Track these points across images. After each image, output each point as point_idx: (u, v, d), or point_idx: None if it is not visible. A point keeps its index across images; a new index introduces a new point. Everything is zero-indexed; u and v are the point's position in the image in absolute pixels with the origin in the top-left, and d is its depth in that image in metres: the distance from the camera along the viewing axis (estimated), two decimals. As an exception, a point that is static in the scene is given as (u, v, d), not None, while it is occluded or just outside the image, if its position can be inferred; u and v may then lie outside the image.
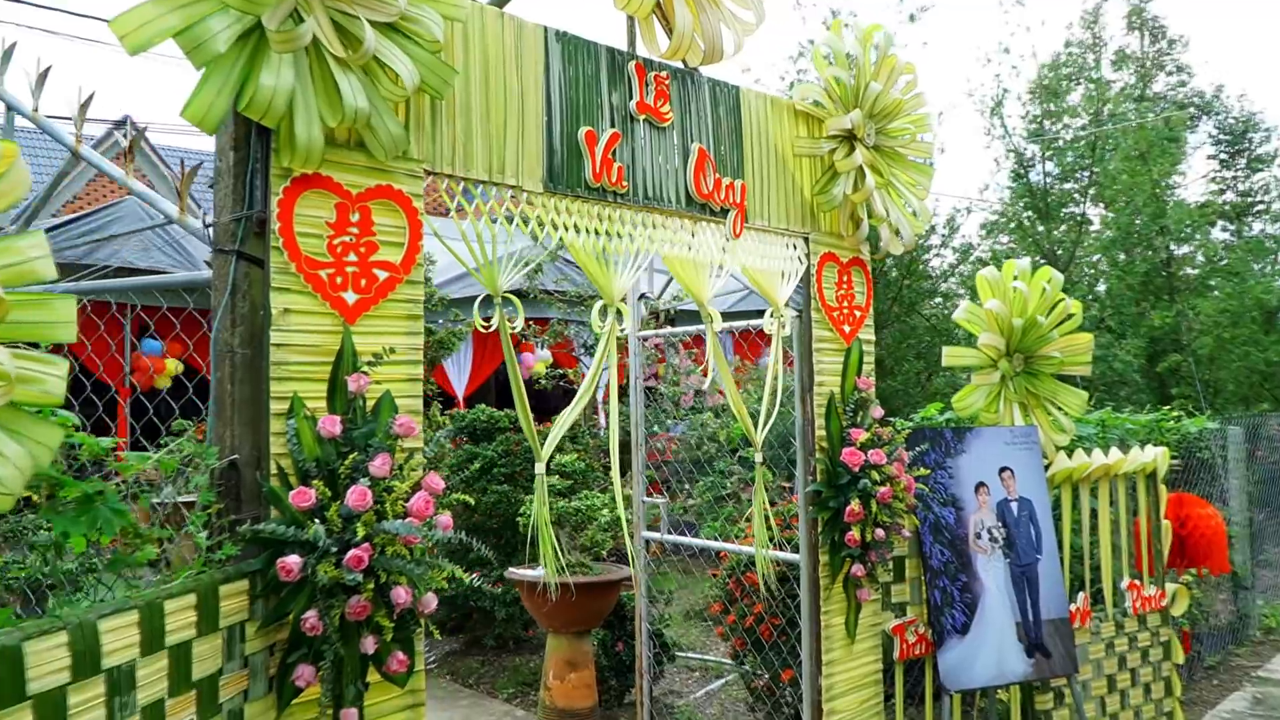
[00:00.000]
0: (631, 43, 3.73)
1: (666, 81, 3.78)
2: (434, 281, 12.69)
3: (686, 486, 9.66)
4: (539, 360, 13.45)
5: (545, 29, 3.42)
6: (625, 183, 3.58)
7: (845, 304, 4.50)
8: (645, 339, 5.79)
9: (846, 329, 4.48)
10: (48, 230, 10.48)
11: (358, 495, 2.61)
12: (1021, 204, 11.73)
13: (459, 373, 14.59)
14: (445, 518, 2.84)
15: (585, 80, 3.53)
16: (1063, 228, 12.91)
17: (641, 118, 3.68)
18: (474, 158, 3.18)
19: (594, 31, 3.82)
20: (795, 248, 4.34)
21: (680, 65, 3.89)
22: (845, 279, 4.52)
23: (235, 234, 2.78)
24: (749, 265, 4.07)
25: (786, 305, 4.31)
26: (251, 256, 2.77)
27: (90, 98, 3.37)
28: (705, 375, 7.79)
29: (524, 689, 6.85)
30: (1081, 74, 14.89)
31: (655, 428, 10.17)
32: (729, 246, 3.99)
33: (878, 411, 4.39)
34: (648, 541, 5.71)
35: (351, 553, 2.56)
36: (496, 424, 7.15)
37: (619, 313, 3.61)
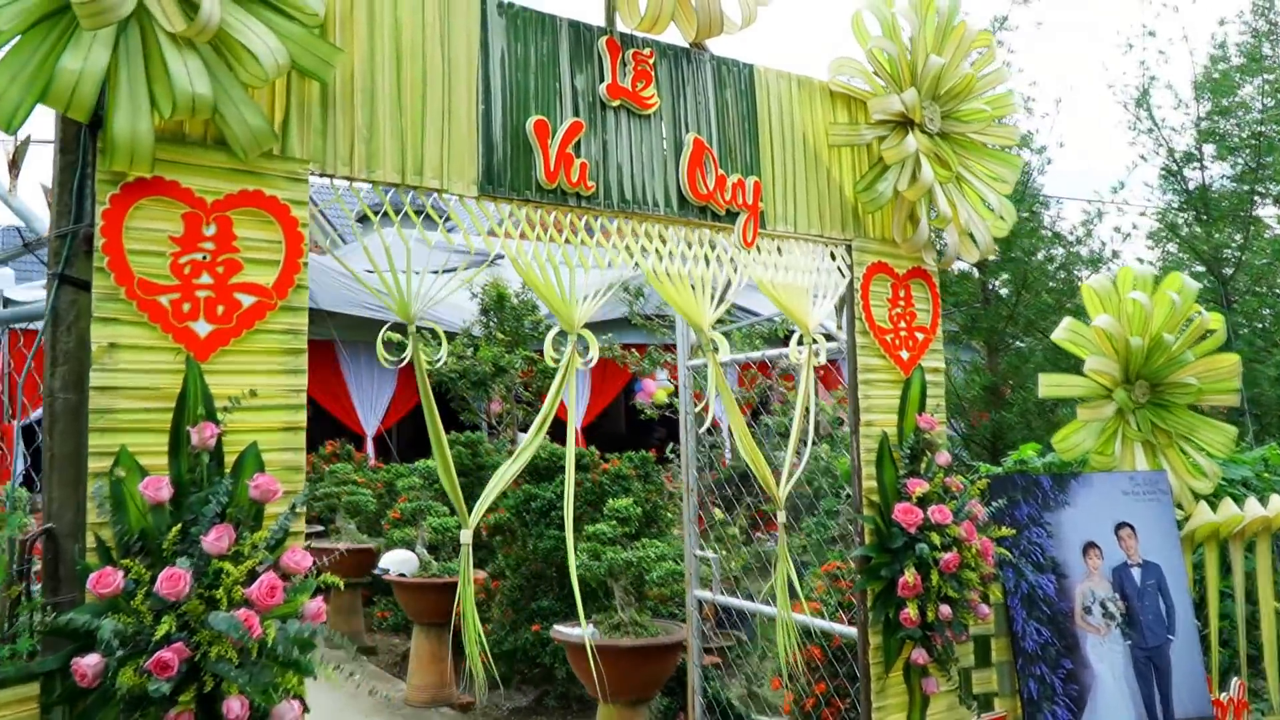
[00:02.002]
0: (610, 15, 3.09)
1: (650, 60, 3.12)
2: (541, 309, 12.35)
3: (807, 521, 8.82)
4: (660, 388, 12.87)
5: (484, 1, 2.83)
6: (592, 182, 2.93)
7: (902, 325, 3.69)
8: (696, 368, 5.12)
9: (904, 355, 3.67)
10: None
11: (169, 580, 2.05)
12: (1176, 204, 10.29)
13: (576, 401, 14.20)
14: (314, 604, 2.25)
15: (539, 60, 2.91)
16: (1237, 239, 11.34)
17: (615, 104, 3.03)
18: (380, 155, 2.60)
19: (585, 9, 3.20)
20: (834, 257, 3.58)
21: (680, 41, 3.22)
22: (902, 294, 3.71)
23: (60, 254, 2.29)
24: (767, 280, 3.34)
25: (838, 328, 3.55)
26: (77, 280, 2.27)
27: None
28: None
29: (586, 757, 6.20)
30: (1256, 64, 13.20)
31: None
32: (739, 257, 3.28)
33: (944, 457, 3.55)
34: (700, 603, 4.98)
35: (156, 655, 2.00)
36: (559, 461, 6.57)
37: (584, 343, 2.96)
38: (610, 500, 5.81)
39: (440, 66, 2.72)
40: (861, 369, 3.58)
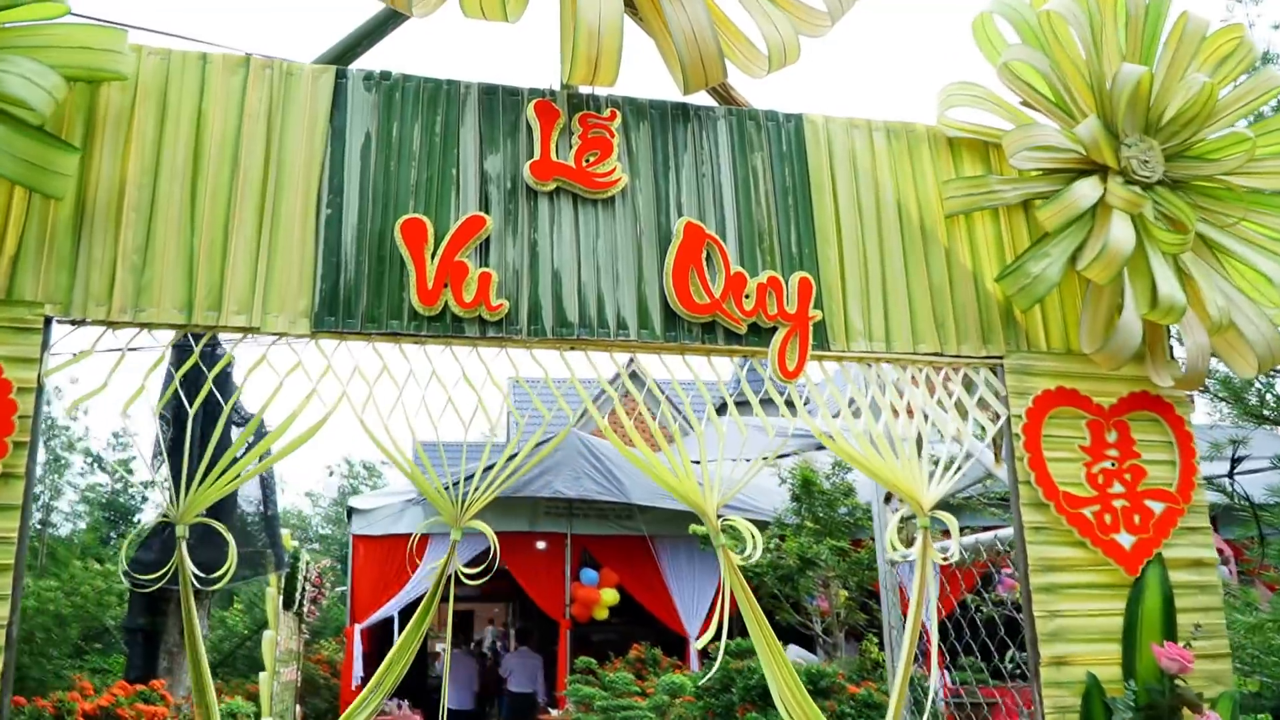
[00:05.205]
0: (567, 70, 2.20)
1: (612, 124, 2.16)
2: (859, 494, 11.01)
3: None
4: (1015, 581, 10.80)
5: (342, 73, 2.08)
6: (503, 300, 1.99)
7: (1117, 489, 2.21)
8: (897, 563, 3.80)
9: (1124, 540, 2.17)
10: (490, 467, 10.88)
11: None
12: None
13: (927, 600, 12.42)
14: None
15: (427, 141, 2.07)
16: None
17: (547, 187, 2.09)
18: (156, 289, 1.87)
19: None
20: (968, 388, 2.25)
21: (679, 96, 2.26)
22: (1112, 439, 2.25)
23: None
24: (831, 434, 2.11)
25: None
26: None
27: None
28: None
29: None
30: None
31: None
32: (784, 395, 2.11)
33: (1213, 724, 1.97)
34: None
35: None
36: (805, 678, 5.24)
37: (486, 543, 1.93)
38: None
39: (262, 163, 1.97)
40: (1036, 565, 2.14)
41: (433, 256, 1.96)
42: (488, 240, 2.02)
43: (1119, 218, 2.22)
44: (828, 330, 2.15)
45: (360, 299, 1.94)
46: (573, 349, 2.04)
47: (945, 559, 2.16)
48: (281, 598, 9.13)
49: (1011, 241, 2.34)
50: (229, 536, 1.81)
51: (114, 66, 1.87)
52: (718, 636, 1.96)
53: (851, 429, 2.12)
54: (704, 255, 2.10)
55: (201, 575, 1.81)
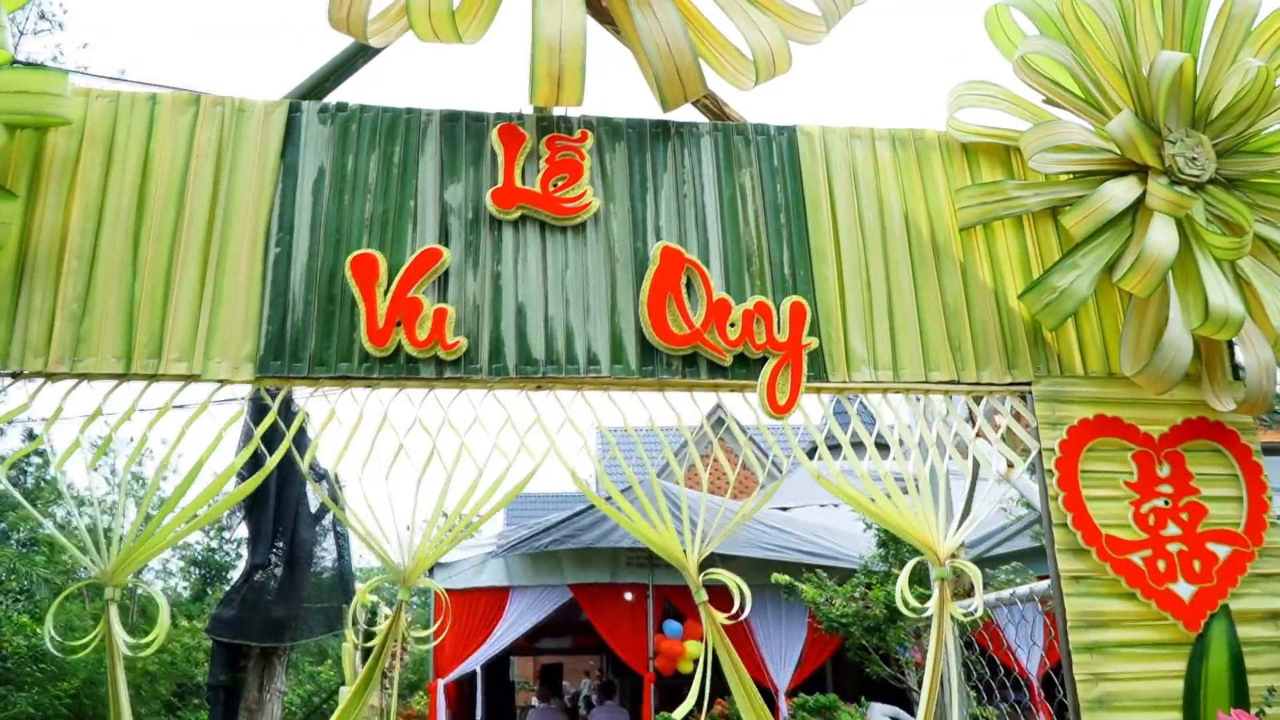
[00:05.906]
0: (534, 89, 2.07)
1: (583, 145, 2.01)
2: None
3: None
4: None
5: (295, 106, 1.99)
6: (461, 338, 1.84)
7: (1171, 530, 1.93)
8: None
9: (1182, 590, 1.89)
10: (569, 518, 10.78)
11: None
12: None
13: (1027, 648, 11.80)
14: None
15: (385, 173, 1.96)
16: None
17: (511, 215, 1.95)
18: (95, 337, 1.79)
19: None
20: (992, 419, 2.00)
21: (661, 113, 2.11)
22: (1164, 474, 1.97)
23: None
24: (838, 477, 1.89)
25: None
26: None
27: None
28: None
29: None
30: None
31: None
32: (768, 434, 1.90)
33: (1295, 810, 1.65)
34: None
35: None
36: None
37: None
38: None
39: (209, 203, 1.89)
40: (1077, 620, 1.86)
41: (385, 294, 1.83)
42: (446, 274, 1.89)
43: (1160, 221, 1.97)
44: (826, 359, 1.94)
45: (308, 341, 1.82)
46: (538, 389, 1.88)
47: (966, 615, 1.90)
48: (359, 654, 9.07)
49: (1039, 254, 2.10)
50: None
51: (54, 110, 1.81)
52: (698, 705, 1.75)
53: (855, 469, 1.90)
54: (683, 281, 1.93)
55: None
